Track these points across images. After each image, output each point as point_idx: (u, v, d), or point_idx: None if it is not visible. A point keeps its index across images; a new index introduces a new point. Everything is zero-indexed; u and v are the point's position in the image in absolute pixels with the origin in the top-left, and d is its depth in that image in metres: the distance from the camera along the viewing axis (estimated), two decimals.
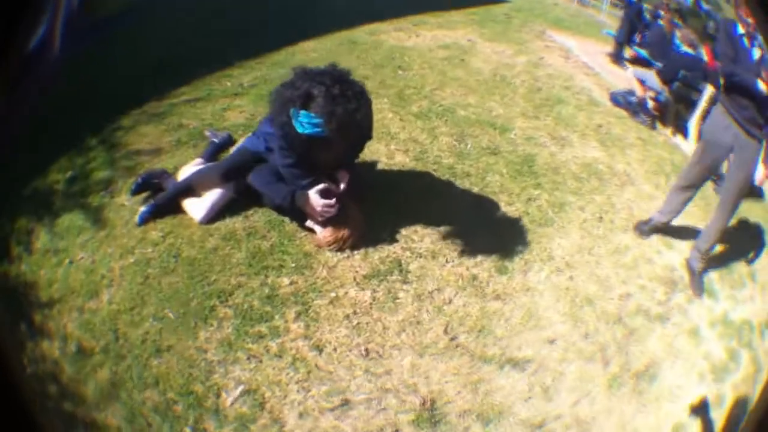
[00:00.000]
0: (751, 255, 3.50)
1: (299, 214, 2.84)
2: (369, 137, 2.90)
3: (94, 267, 2.66)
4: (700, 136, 3.53)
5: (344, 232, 2.80)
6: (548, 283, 2.91)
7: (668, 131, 4.55)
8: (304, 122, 2.51)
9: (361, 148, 3.00)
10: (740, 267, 3.40)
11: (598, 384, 2.52)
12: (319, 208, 2.75)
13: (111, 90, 3.65)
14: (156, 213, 2.88)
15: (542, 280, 2.91)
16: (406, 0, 6.02)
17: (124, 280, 2.60)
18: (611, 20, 6.26)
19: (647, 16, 5.51)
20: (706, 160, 3.27)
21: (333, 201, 2.76)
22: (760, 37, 3.09)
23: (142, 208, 2.86)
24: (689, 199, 3.34)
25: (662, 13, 5.27)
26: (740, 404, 2.63)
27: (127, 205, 2.96)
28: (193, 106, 3.76)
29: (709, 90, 4.38)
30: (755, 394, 2.58)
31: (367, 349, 2.42)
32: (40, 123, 2.92)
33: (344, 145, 2.69)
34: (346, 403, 2.23)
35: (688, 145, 4.37)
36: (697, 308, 3.04)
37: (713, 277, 3.28)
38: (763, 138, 3.05)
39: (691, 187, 3.32)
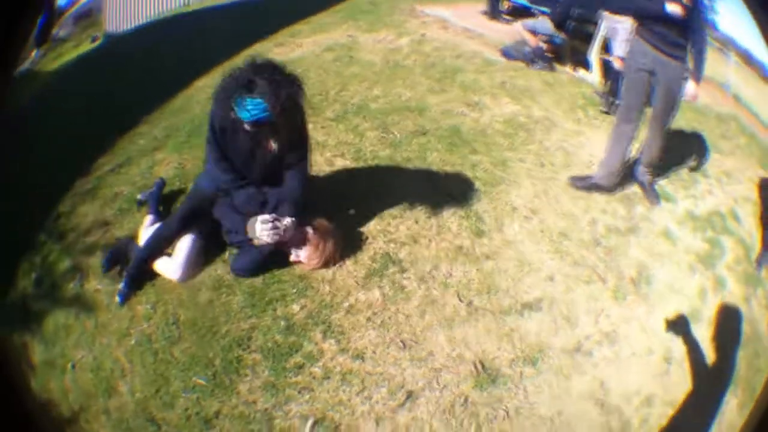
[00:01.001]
0: (694, 159, 4.33)
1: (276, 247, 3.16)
2: (305, 133, 3.26)
3: (98, 363, 2.84)
4: (624, 72, 4.09)
5: (327, 247, 3.15)
6: (523, 231, 3.52)
7: (568, 68, 5.43)
8: (250, 107, 2.83)
9: (303, 145, 3.27)
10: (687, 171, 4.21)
11: (605, 299, 3.14)
12: (265, 236, 3.06)
13: (39, 179, 3.88)
14: (133, 286, 3.10)
15: (517, 231, 3.52)
16: (270, 16, 6.54)
17: (135, 366, 2.80)
18: None
19: None
20: (631, 90, 3.89)
21: (270, 219, 3.07)
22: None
23: (118, 287, 3.07)
24: (631, 138, 3.93)
25: None
26: (730, 315, 3.28)
27: (101, 289, 3.17)
28: (119, 173, 4.04)
29: (605, 18, 5.20)
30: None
31: (402, 341, 2.84)
32: None
33: (288, 131, 3.01)
34: (410, 395, 2.63)
35: (593, 76, 5.26)
36: (660, 213, 3.80)
37: (664, 184, 4.06)
38: (685, 57, 3.68)
39: (628, 122, 3.91)
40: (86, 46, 5.54)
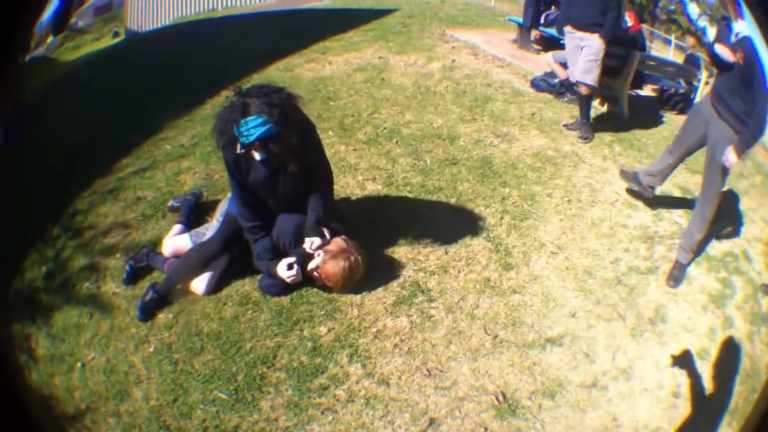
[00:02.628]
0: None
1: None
2: (320, 149, 3.42)
3: (112, 366, 2.94)
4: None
5: (342, 265, 3.26)
6: (550, 267, 3.71)
7: (596, 103, 5.63)
8: (250, 128, 2.93)
9: (320, 163, 3.45)
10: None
11: (624, 337, 3.32)
12: (288, 279, 3.25)
13: (54, 172, 4.06)
14: (160, 303, 3.24)
15: (544, 266, 3.71)
16: (300, 30, 6.80)
17: (152, 373, 2.89)
18: (502, 5, 7.41)
19: None
20: (688, 127, 4.03)
21: (295, 270, 3.24)
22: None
23: (144, 300, 3.20)
24: (674, 167, 4.14)
25: None
26: (734, 351, 3.45)
27: (119, 293, 3.31)
28: (143, 177, 4.22)
29: (635, 56, 5.44)
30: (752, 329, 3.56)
31: (428, 369, 3.00)
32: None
33: (297, 140, 3.07)
34: (432, 421, 2.75)
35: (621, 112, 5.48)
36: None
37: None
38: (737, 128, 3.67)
39: (675, 152, 4.07)
40: (107, 41, 5.68)
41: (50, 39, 4.87)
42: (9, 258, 3.49)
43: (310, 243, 3.34)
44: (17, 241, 3.56)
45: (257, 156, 3.11)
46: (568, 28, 5.29)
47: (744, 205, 4.51)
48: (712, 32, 4.22)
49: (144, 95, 5.12)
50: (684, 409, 3.04)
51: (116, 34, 5.84)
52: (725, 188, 4.00)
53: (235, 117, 2.95)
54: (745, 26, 3.55)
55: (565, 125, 5.25)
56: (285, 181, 3.31)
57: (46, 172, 4.03)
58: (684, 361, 3.27)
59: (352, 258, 3.26)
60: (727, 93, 3.72)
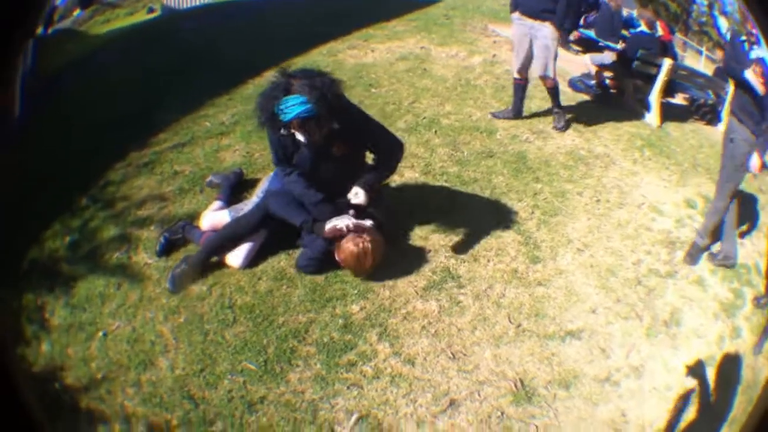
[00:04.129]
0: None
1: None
2: (368, 119, 3.54)
3: (137, 335, 3.04)
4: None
5: (356, 248, 3.35)
6: (575, 263, 3.87)
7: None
8: (289, 105, 3.03)
9: (372, 130, 3.56)
10: None
11: (639, 336, 3.48)
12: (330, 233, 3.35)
13: (82, 145, 4.15)
14: (192, 273, 3.33)
15: (570, 262, 3.87)
16: (343, 15, 6.92)
17: (181, 343, 2.99)
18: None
19: None
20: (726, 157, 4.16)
21: (343, 225, 3.36)
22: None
23: (175, 271, 3.32)
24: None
25: None
26: (738, 361, 3.58)
27: (151, 264, 3.45)
28: (181, 152, 4.38)
29: (667, 63, 5.58)
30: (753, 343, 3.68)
31: (452, 352, 3.17)
32: (17, 189, 3.45)
33: (334, 119, 3.19)
34: (452, 402, 2.86)
35: (652, 118, 5.60)
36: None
37: None
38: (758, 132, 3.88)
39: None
40: (142, 16, 5.74)
41: (77, 12, 4.94)
42: (25, 229, 3.59)
43: (355, 193, 3.43)
44: (36, 211, 3.67)
45: (300, 137, 3.25)
46: (516, 15, 5.22)
47: (762, 219, 4.62)
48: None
49: (182, 73, 5.25)
50: (688, 413, 3.17)
51: (151, 10, 5.89)
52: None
53: (276, 94, 3.07)
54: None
55: (492, 113, 5.35)
56: (328, 164, 3.44)
57: (74, 145, 4.15)
58: (696, 368, 3.41)
59: (362, 244, 3.36)
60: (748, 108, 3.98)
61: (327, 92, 3.10)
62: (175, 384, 2.81)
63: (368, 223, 3.47)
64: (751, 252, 4.32)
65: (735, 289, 4.02)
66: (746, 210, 4.49)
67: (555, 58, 5.15)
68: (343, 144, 3.39)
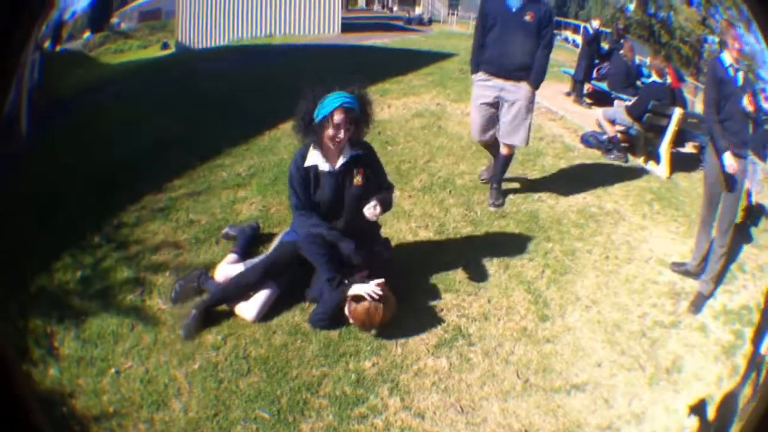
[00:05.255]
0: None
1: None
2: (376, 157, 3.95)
3: (150, 376, 3.26)
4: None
5: (375, 307, 3.65)
6: (582, 320, 4.22)
7: (641, 160, 6.15)
8: (335, 97, 3.55)
9: (378, 162, 3.98)
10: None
11: (641, 385, 3.77)
12: (370, 291, 3.63)
13: (93, 178, 4.46)
14: (201, 321, 3.60)
15: (577, 319, 4.22)
16: (358, 67, 7.19)
17: (194, 387, 3.21)
18: (556, 54, 7.94)
19: (605, 46, 7.21)
20: (710, 182, 4.59)
21: (366, 292, 3.64)
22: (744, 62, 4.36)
23: (187, 320, 3.58)
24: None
25: (620, 41, 6.94)
26: (729, 399, 3.77)
27: (165, 309, 3.75)
28: (197, 200, 4.75)
29: (677, 113, 5.94)
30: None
31: (461, 406, 3.34)
32: (30, 210, 3.72)
33: (369, 120, 3.76)
34: None
35: (661, 170, 5.99)
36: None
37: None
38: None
39: (708, 220, 4.58)
40: (155, 51, 6.03)
41: (87, 34, 5.10)
42: (34, 254, 3.82)
43: (373, 205, 3.71)
44: (45, 236, 3.92)
45: (323, 165, 3.72)
46: (480, 75, 5.12)
47: (765, 258, 4.91)
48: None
49: (199, 116, 5.56)
50: None
51: (165, 46, 6.13)
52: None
53: (318, 95, 3.59)
54: None
55: (481, 177, 5.55)
56: (349, 196, 3.80)
57: (83, 175, 4.46)
58: (695, 408, 3.68)
59: (374, 303, 3.65)
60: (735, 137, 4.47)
61: (365, 96, 3.69)
62: (188, 426, 3.01)
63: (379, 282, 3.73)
64: (754, 293, 4.61)
65: (736, 330, 4.31)
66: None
67: (530, 126, 5.16)
68: (361, 174, 3.79)
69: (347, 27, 7.77)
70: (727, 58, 4.51)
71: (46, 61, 4.06)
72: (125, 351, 3.45)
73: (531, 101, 5.06)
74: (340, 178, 3.78)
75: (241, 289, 3.73)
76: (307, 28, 7.38)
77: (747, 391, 3.72)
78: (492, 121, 5.15)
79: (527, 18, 4.89)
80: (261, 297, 3.74)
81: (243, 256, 4.08)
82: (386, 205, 3.85)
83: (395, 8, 8.93)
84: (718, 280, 4.58)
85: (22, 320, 3.42)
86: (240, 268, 3.91)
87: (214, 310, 3.71)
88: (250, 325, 3.73)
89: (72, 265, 3.92)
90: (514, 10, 4.91)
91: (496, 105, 5.09)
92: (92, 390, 3.16)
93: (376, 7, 9.04)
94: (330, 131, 3.61)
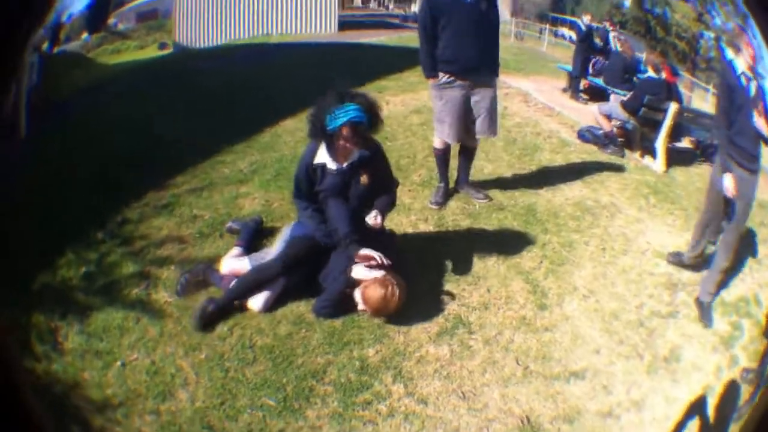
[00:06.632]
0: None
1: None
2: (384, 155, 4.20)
3: (157, 368, 3.45)
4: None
5: (384, 291, 3.87)
6: (580, 309, 4.43)
7: (637, 155, 6.37)
8: (345, 110, 3.75)
9: (390, 178, 4.26)
10: None
11: (640, 373, 3.97)
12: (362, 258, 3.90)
13: (95, 177, 4.65)
14: (218, 315, 3.81)
15: (575, 308, 4.43)
16: (356, 65, 7.57)
17: (201, 377, 3.40)
18: (553, 51, 8.24)
19: (598, 41, 7.38)
20: (712, 193, 4.59)
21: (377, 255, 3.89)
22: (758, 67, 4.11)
23: (202, 311, 3.77)
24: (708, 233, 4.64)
25: (612, 32, 7.12)
26: (734, 389, 3.99)
27: (171, 302, 3.93)
28: (199, 196, 4.98)
29: (673, 107, 6.13)
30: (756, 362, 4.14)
31: (462, 392, 3.53)
32: (32, 210, 3.86)
33: (378, 131, 4.01)
34: None
35: (657, 165, 6.21)
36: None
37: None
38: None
39: (707, 223, 4.68)
40: (153, 51, 6.08)
41: (84, 35, 5.15)
42: (37, 250, 3.95)
43: (375, 214, 3.99)
44: (47, 235, 4.04)
45: (331, 163, 3.96)
46: (442, 78, 5.10)
47: (762, 252, 5.07)
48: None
49: (199, 114, 5.78)
50: None
51: (163, 46, 6.16)
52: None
53: (331, 103, 3.77)
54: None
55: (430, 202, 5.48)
56: (355, 192, 4.04)
57: (85, 175, 4.64)
58: (696, 398, 3.88)
59: (390, 288, 3.86)
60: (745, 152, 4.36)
61: (375, 106, 3.89)
62: (195, 415, 3.18)
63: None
64: (751, 284, 4.80)
65: (734, 321, 4.50)
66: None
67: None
68: (367, 174, 4.04)
69: (344, 25, 7.87)
70: (740, 64, 4.36)
71: (45, 63, 4.13)
72: (131, 344, 3.62)
73: (495, 98, 5.21)
74: (347, 176, 4.01)
75: (261, 284, 3.96)
76: (304, 26, 7.49)
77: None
78: (468, 121, 5.24)
79: (483, 7, 4.93)
80: (270, 289, 3.96)
81: (247, 249, 4.29)
82: (389, 209, 4.18)
83: (391, 6, 9.09)
84: (717, 291, 4.70)
85: (24, 317, 3.54)
86: (244, 261, 4.14)
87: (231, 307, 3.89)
88: (256, 315, 3.92)
89: (75, 262, 4.10)
90: (468, 0, 4.90)
91: (467, 103, 5.17)
92: (97, 383, 3.32)
93: (373, 4, 9.20)
94: (340, 142, 3.85)
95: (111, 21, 5.54)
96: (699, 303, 4.60)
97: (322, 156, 3.99)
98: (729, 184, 4.42)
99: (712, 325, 4.48)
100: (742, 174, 4.34)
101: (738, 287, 4.81)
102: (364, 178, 4.02)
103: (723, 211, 4.55)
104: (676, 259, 4.94)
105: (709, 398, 3.86)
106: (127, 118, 5.40)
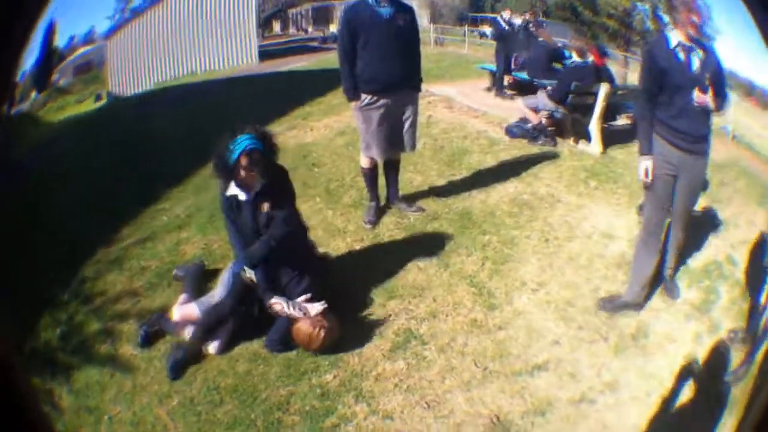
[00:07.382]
0: None
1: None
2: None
3: (138, 418, 3.69)
4: (645, 174, 4.36)
5: (317, 332, 4.08)
6: (532, 303, 4.51)
7: (570, 141, 6.59)
8: (238, 142, 4.08)
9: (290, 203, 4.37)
10: None
11: (607, 355, 4.06)
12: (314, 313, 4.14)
13: (48, 235, 4.74)
14: (186, 363, 4.06)
15: (526, 303, 4.51)
16: (279, 94, 7.85)
17: (178, 423, 3.64)
18: (476, 51, 8.50)
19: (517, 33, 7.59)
20: (657, 201, 4.43)
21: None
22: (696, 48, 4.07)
23: (175, 359, 4.03)
24: (659, 250, 4.51)
25: (532, 23, 7.36)
26: (723, 351, 4.13)
27: (137, 355, 4.14)
28: (144, 247, 5.17)
29: (603, 89, 6.36)
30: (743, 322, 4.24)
31: (426, 402, 3.68)
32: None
33: (274, 156, 4.26)
34: None
35: (594, 147, 6.44)
36: None
37: None
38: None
39: (657, 234, 4.49)
40: (90, 104, 6.36)
41: (33, 94, 5.30)
42: (22, 317, 4.14)
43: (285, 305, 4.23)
44: (26, 301, 4.28)
45: (241, 194, 4.17)
46: (365, 98, 5.20)
47: (727, 213, 5.25)
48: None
49: (131, 162, 5.92)
50: (682, 409, 3.71)
51: (99, 98, 6.42)
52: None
53: (226, 140, 4.08)
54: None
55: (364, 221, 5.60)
56: (262, 221, 4.20)
57: (40, 235, 4.68)
58: (682, 368, 3.96)
59: (316, 329, 4.06)
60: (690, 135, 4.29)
61: (267, 134, 4.22)
62: None
63: (320, 307, 4.17)
64: (722, 247, 4.96)
65: (706, 286, 4.65)
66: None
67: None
68: (270, 201, 4.19)
69: (265, 55, 8.24)
70: (675, 36, 4.17)
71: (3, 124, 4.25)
72: (112, 398, 3.86)
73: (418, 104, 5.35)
74: (255, 206, 4.19)
75: (220, 322, 4.23)
76: (226, 61, 7.80)
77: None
78: (392, 136, 5.34)
79: (401, 22, 5.06)
80: (222, 331, 4.19)
81: (193, 294, 4.47)
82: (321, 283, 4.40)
83: (310, 29, 9.33)
84: (678, 265, 4.77)
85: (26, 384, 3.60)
86: (192, 306, 4.31)
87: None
88: (214, 357, 4.11)
89: (51, 323, 4.35)
90: (386, 17, 5.04)
91: (390, 119, 5.27)
92: None
93: (292, 30, 9.45)
94: (242, 173, 4.09)
95: (54, 77, 5.68)
96: (662, 279, 4.66)
97: (233, 188, 4.21)
98: (643, 167, 4.38)
99: (678, 298, 4.59)
100: (680, 156, 4.26)
101: (704, 253, 4.95)
102: (264, 206, 4.17)
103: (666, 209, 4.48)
104: (616, 304, 4.55)
105: (698, 363, 3.97)
106: (67, 176, 5.55)
